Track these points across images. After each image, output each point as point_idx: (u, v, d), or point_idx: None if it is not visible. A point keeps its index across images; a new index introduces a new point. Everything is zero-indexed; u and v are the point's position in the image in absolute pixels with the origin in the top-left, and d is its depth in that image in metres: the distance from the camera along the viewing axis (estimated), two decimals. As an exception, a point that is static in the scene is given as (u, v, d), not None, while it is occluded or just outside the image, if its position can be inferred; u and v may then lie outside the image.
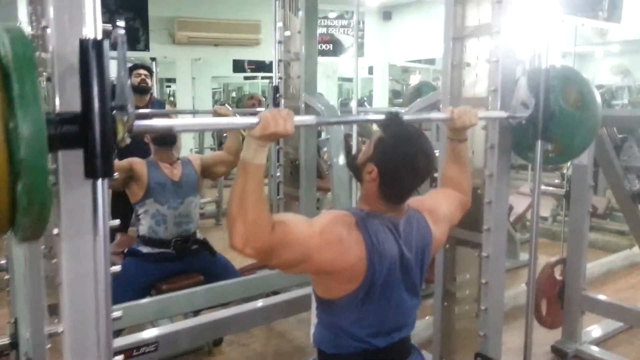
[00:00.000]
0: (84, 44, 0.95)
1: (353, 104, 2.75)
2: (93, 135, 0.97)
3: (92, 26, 0.97)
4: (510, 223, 4.54)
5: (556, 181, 5.70)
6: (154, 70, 7.17)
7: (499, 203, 2.05)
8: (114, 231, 3.77)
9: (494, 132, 1.99)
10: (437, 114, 1.68)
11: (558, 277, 3.06)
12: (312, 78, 3.00)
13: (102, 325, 1.05)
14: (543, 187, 4.95)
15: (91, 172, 0.99)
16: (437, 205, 1.59)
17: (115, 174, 1.05)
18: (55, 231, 1.08)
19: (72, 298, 1.09)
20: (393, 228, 1.42)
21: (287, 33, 2.95)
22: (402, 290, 1.45)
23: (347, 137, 3.63)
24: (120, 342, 2.11)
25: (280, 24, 3.03)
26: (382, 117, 1.48)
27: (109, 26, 1.09)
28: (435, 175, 1.97)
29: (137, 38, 5.92)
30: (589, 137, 1.99)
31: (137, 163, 2.76)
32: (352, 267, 1.34)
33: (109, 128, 0.98)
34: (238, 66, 8.55)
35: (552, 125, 1.90)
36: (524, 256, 4.31)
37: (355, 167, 1.49)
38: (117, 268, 1.19)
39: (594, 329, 3.22)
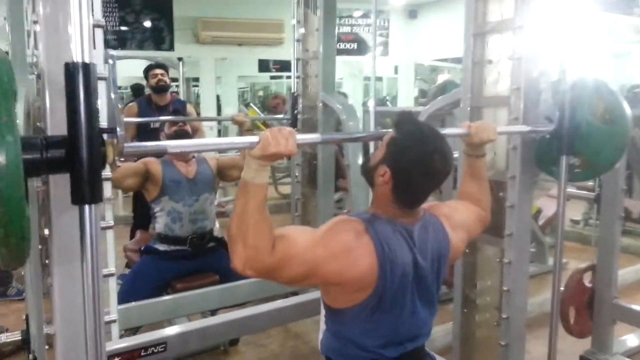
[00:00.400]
0: (69, 67, 0.93)
1: (370, 104, 2.68)
2: (80, 159, 0.94)
3: (80, 49, 0.93)
4: (540, 227, 4.40)
5: (589, 183, 5.49)
6: (180, 70, 7.25)
7: (522, 207, 1.96)
8: (134, 228, 3.86)
9: (517, 104, 1.89)
10: (452, 130, 1.60)
11: (587, 284, 2.92)
12: (331, 77, 2.94)
13: (91, 331, 1.01)
14: (573, 190, 4.78)
15: (78, 198, 0.96)
16: (455, 212, 1.52)
17: (107, 196, 1.01)
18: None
19: (63, 308, 1.06)
20: (407, 235, 1.34)
21: (302, 30, 2.90)
22: (416, 300, 1.38)
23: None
24: (136, 340, 2.08)
25: (293, 22, 2.98)
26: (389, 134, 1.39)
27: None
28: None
29: (162, 38, 5.97)
30: (617, 153, 1.88)
31: (152, 163, 2.76)
32: (363, 277, 1.28)
33: (96, 152, 0.95)
34: (263, 66, 8.57)
35: (577, 140, 1.80)
36: (551, 261, 4.16)
37: (367, 171, 1.41)
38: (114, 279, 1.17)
39: (627, 339, 3.07)
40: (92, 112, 0.93)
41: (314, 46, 3.02)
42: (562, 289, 2.56)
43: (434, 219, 1.43)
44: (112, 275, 1.17)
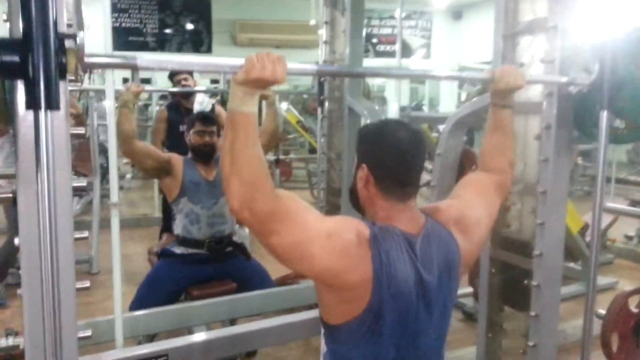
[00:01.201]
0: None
1: (394, 108, 2.54)
2: (34, 62, 0.87)
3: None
4: (587, 243, 4.11)
5: (643, 196, 5.10)
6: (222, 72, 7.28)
7: (553, 224, 1.77)
8: (162, 231, 3.86)
9: (550, 110, 1.70)
10: (475, 74, 1.44)
11: (634, 309, 2.66)
12: (357, 80, 2.82)
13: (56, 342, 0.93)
14: (621, 207, 4.46)
15: (32, 103, 0.89)
16: (465, 211, 1.34)
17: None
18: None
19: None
20: (409, 247, 1.21)
21: (321, 31, 2.78)
22: (423, 319, 1.24)
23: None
24: (136, 350, 2.03)
25: (312, 22, 2.87)
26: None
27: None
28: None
29: (200, 40, 6.02)
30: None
31: (175, 159, 2.74)
32: (354, 286, 1.16)
33: (50, 55, 0.87)
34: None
35: (620, 94, 1.58)
36: (600, 280, 3.87)
37: (352, 191, 1.30)
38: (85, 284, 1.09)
39: (679, 371, 2.78)
40: (47, 12, 0.86)
41: (340, 48, 2.91)
42: (603, 312, 2.34)
43: (438, 227, 1.28)
44: (84, 288, 1.08)
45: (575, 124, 1.75)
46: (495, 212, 1.42)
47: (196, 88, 3.86)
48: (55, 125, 0.91)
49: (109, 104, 1.78)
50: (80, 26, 0.92)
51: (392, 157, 1.21)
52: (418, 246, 1.22)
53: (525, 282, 1.86)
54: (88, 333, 1.10)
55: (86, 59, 0.96)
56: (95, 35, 1.65)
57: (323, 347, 1.34)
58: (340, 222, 1.19)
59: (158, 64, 1.07)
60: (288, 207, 1.10)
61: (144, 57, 1.04)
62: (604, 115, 1.60)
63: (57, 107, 0.90)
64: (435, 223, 1.28)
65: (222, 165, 1.08)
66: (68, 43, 0.90)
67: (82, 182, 1.04)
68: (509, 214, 1.96)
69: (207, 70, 1.00)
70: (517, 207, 1.92)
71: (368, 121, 2.72)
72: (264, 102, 3.06)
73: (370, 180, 1.23)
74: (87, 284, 1.10)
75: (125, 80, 9.75)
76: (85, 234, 1.08)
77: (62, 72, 0.90)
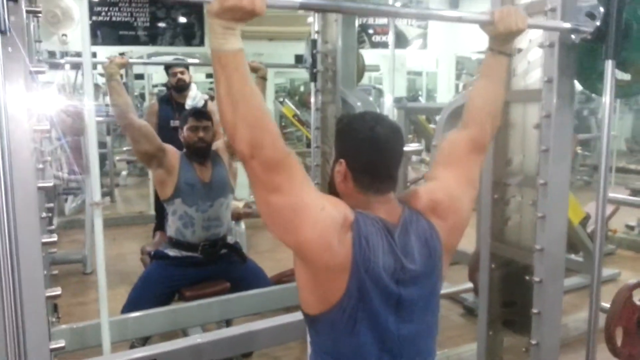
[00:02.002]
0: None
1: (388, 100, 2.46)
2: None
3: None
4: (589, 234, 4.04)
5: (642, 184, 5.02)
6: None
7: (555, 217, 1.70)
8: (156, 229, 3.79)
9: (550, 98, 1.60)
10: (473, 15, 1.33)
11: (638, 302, 2.59)
12: (350, 71, 2.74)
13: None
14: (623, 196, 4.38)
15: None
16: (442, 195, 1.28)
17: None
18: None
19: None
20: (389, 235, 1.18)
21: (310, 19, 2.69)
22: (407, 308, 1.19)
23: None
24: (125, 356, 1.96)
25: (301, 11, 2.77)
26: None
27: None
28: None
29: (192, 34, 5.91)
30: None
31: (172, 152, 2.65)
32: (334, 269, 1.12)
33: None
34: (300, 61, 8.40)
35: (627, 42, 1.47)
36: (604, 271, 3.80)
37: (331, 185, 1.26)
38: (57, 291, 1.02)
39: (684, 364, 2.71)
40: None
41: (333, 38, 2.81)
42: (607, 305, 2.27)
43: (415, 215, 1.24)
44: (56, 297, 1.01)
45: (578, 78, 1.63)
46: (475, 175, 1.36)
47: (193, 60, 3.81)
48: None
49: (87, 98, 1.70)
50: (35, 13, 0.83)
51: (369, 152, 1.18)
52: (397, 234, 1.19)
53: (527, 277, 1.78)
54: (61, 343, 1.02)
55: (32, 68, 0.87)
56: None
57: (309, 349, 1.29)
58: (333, 200, 1.16)
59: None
60: (295, 164, 1.08)
61: None
62: (609, 64, 1.49)
63: (5, 31, 0.79)
64: (413, 212, 1.25)
65: (223, 114, 1.02)
66: None
67: (48, 183, 0.97)
68: (508, 207, 1.88)
69: (176, 1, 0.89)
70: (517, 199, 1.85)
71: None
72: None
73: (348, 176, 1.20)
74: (58, 291, 1.02)
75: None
76: (54, 237, 1.00)
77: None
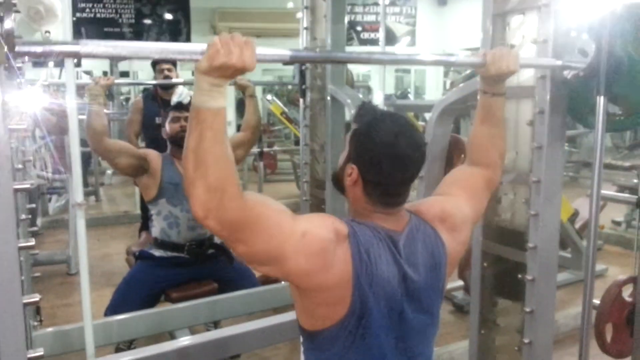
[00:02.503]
0: None
1: (378, 97, 2.43)
2: None
3: None
4: (577, 230, 4.05)
5: (635, 181, 5.03)
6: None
7: (548, 215, 1.68)
8: (141, 229, 3.73)
9: (543, 94, 1.59)
10: (465, 59, 1.35)
11: (627, 298, 2.60)
12: (340, 68, 2.70)
13: None
14: (611, 193, 4.39)
15: None
16: (450, 208, 1.26)
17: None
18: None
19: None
20: (391, 244, 1.13)
21: (299, 15, 2.65)
22: (410, 320, 1.15)
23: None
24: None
25: (290, 5, 2.73)
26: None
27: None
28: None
29: (178, 30, 5.84)
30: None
31: (153, 156, 2.58)
32: (333, 287, 1.07)
33: None
34: (287, 58, 8.33)
35: (618, 78, 1.48)
36: (586, 268, 3.82)
37: (336, 179, 1.21)
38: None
39: (673, 360, 2.72)
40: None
41: (322, 34, 2.78)
42: (597, 302, 2.27)
43: (422, 225, 1.20)
44: (34, 303, 0.96)
45: (569, 111, 1.66)
46: (483, 209, 1.36)
47: (177, 80, 3.72)
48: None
49: (69, 97, 1.64)
50: (9, 6, 0.79)
51: (386, 168, 1.11)
52: (402, 243, 1.14)
53: (519, 276, 1.76)
54: (40, 352, 0.98)
55: (18, 48, 0.81)
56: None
57: (302, 357, 1.24)
58: (316, 220, 1.09)
59: (104, 51, 0.92)
60: (258, 214, 0.99)
61: (88, 43, 0.90)
62: (601, 101, 1.51)
63: None
64: (420, 220, 1.20)
65: (185, 167, 0.96)
66: None
67: (25, 184, 0.92)
68: (500, 205, 1.86)
69: (164, 56, 0.87)
70: (509, 197, 1.82)
71: (352, 112, 2.60)
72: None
73: (358, 183, 1.14)
74: (36, 297, 0.97)
75: (104, 74, 9.56)
76: (32, 241, 0.95)
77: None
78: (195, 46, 0.95)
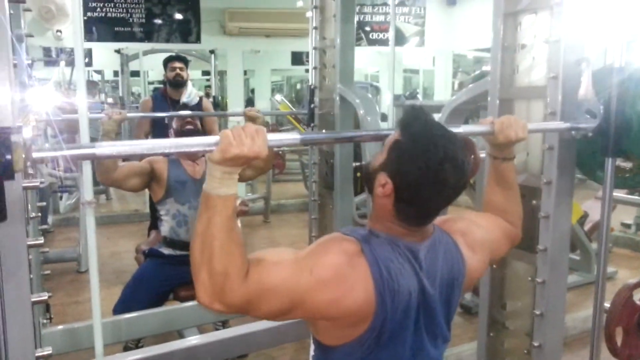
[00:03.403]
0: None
1: (387, 98, 2.41)
2: None
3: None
4: (585, 232, 4.01)
5: (642, 184, 4.99)
6: (212, 63, 7.13)
7: (559, 217, 1.66)
8: (150, 228, 3.74)
9: (555, 95, 1.60)
10: (472, 127, 1.33)
11: (638, 301, 2.56)
12: (349, 67, 2.69)
13: None
14: (621, 195, 4.33)
15: None
16: (474, 228, 1.25)
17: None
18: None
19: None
20: (411, 256, 1.10)
21: (309, 14, 2.64)
22: (422, 334, 1.14)
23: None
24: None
25: (300, 3, 2.73)
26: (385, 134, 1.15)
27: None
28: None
29: (189, 30, 5.86)
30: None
31: (158, 162, 2.60)
32: (358, 309, 1.04)
33: None
34: (297, 58, 8.35)
35: (627, 139, 1.50)
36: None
37: (367, 177, 1.16)
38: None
39: (685, 365, 2.69)
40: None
41: (331, 34, 2.77)
42: (607, 305, 2.25)
43: (445, 237, 1.18)
44: (42, 302, 0.97)
45: (578, 166, 1.68)
46: (499, 253, 1.35)
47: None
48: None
49: (79, 96, 1.65)
50: (26, 121, 0.81)
51: (427, 195, 1.06)
52: (422, 254, 1.12)
53: (529, 278, 1.75)
54: (48, 351, 0.98)
55: (35, 154, 0.84)
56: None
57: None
58: (320, 249, 1.07)
59: (120, 150, 0.94)
60: (260, 282, 0.98)
61: (103, 145, 0.92)
62: (609, 161, 1.53)
63: (5, 218, 0.81)
64: (442, 232, 1.18)
65: (192, 250, 0.97)
66: (15, 137, 0.80)
67: (34, 182, 0.92)
68: (511, 207, 1.84)
69: (179, 151, 0.90)
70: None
71: (362, 112, 2.59)
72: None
73: (390, 197, 1.08)
74: (44, 296, 0.98)
75: (115, 74, 9.61)
76: (41, 240, 0.95)
77: (9, 172, 0.80)
78: (208, 139, 0.97)
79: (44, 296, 0.98)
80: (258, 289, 0.98)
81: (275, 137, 1.04)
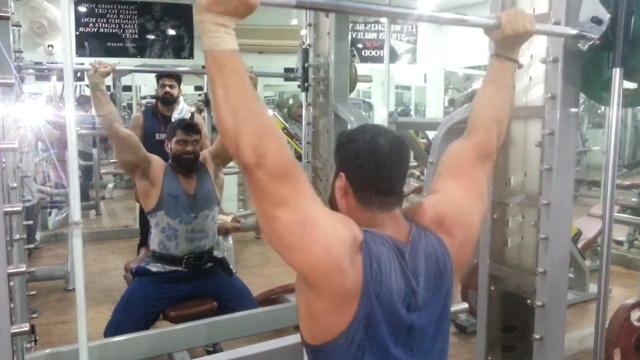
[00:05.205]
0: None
1: (382, 114, 2.39)
2: None
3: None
4: (579, 249, 4.00)
5: (633, 200, 5.00)
6: (205, 79, 7.11)
7: (558, 238, 1.63)
8: (140, 244, 3.68)
9: (553, 114, 1.55)
10: (477, 19, 1.25)
11: (636, 322, 2.54)
12: (343, 85, 2.68)
13: None
14: (619, 215, 4.32)
15: None
16: (445, 207, 1.21)
17: None
18: None
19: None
20: (400, 255, 1.09)
21: (304, 32, 2.63)
22: (417, 335, 1.11)
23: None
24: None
25: (294, 22, 2.71)
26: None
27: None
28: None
29: (181, 46, 5.85)
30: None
31: (157, 163, 2.58)
32: (342, 293, 1.02)
33: None
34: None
35: (635, 50, 1.39)
36: (593, 288, 3.75)
37: (331, 201, 1.17)
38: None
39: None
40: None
41: (325, 51, 2.76)
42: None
43: (423, 233, 1.16)
44: (24, 333, 0.91)
45: (582, 88, 1.58)
46: (484, 187, 1.28)
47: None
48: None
49: (68, 110, 1.60)
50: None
51: (371, 165, 1.09)
52: (408, 255, 1.11)
53: (528, 301, 1.71)
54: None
55: None
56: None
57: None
58: (341, 218, 1.06)
59: None
60: (302, 175, 1.00)
61: None
62: (617, 73, 1.41)
63: None
64: (421, 229, 1.16)
65: (223, 121, 0.93)
66: None
67: (16, 207, 0.87)
68: (509, 228, 1.82)
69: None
70: (518, 219, 1.78)
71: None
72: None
73: (348, 191, 1.11)
74: (25, 327, 0.93)
75: (107, 88, 9.54)
76: (23, 267, 0.90)
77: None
78: None
79: (25, 327, 0.93)
80: (297, 174, 0.97)
81: None
